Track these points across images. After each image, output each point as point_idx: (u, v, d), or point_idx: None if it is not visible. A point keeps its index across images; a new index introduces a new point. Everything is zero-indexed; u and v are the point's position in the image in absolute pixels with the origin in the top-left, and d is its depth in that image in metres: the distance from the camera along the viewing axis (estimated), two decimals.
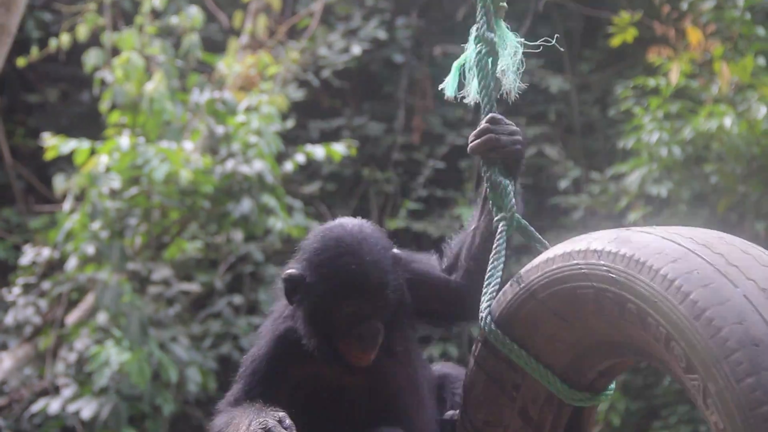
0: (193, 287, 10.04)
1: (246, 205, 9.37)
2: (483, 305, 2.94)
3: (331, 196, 12.04)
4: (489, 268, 3.01)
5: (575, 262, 2.71)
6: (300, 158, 9.95)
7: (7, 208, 11.97)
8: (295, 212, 10.08)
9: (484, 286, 2.99)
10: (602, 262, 2.65)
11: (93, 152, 9.36)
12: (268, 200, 9.47)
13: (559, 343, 2.79)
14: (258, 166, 9.43)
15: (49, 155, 9.51)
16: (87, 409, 8.70)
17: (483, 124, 3.08)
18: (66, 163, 10.44)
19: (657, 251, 2.56)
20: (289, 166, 9.96)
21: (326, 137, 11.59)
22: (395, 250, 3.00)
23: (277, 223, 9.49)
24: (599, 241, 2.69)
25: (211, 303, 10.33)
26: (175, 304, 9.88)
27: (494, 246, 3.04)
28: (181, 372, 9.07)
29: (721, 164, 9.67)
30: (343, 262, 2.88)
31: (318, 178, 11.94)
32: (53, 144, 9.37)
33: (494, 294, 2.94)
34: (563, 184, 11.38)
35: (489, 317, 2.90)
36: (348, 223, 3.00)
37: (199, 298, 10.37)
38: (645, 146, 9.79)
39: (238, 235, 10.11)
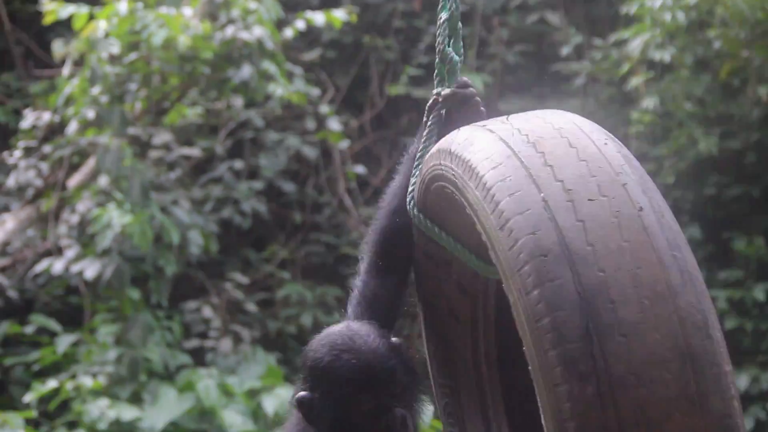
0: (194, 152, 10.07)
1: (246, 71, 9.34)
2: (409, 189, 2.97)
3: (332, 63, 11.98)
4: (420, 148, 2.98)
5: (439, 161, 2.69)
6: (300, 25, 9.86)
7: (6, 72, 11.93)
8: (295, 79, 10.05)
9: (414, 167, 2.98)
10: (451, 165, 2.62)
11: (92, 17, 9.28)
12: (268, 66, 9.44)
13: (462, 226, 2.79)
14: (258, 32, 9.36)
15: (47, 20, 9.44)
16: (90, 269, 8.81)
17: (470, 88, 3.02)
18: (65, 28, 10.36)
19: (486, 156, 2.50)
20: (289, 33, 9.88)
21: (326, 3, 11.47)
22: (392, 339, 2.93)
23: (278, 89, 9.46)
24: (456, 140, 2.64)
25: (211, 168, 10.38)
26: (176, 168, 9.93)
27: (428, 123, 3.00)
28: (183, 234, 9.16)
29: (725, 29, 9.60)
30: (343, 362, 2.83)
31: (318, 44, 11.85)
32: (51, 8, 9.29)
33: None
34: (565, 50, 11.29)
35: (413, 202, 2.92)
36: (334, 328, 2.94)
37: (199, 163, 10.42)
38: (648, 11, 9.70)
39: (238, 101, 10.10)
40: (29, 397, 8.53)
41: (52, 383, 8.55)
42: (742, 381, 9.43)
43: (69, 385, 8.55)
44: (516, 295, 2.35)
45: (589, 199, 2.34)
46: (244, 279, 10.43)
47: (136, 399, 8.63)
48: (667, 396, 2.21)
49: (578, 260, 2.28)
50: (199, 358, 9.67)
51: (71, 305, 9.94)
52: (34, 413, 8.46)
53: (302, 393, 2.88)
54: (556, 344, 2.26)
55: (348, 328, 2.90)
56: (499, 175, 2.43)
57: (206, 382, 8.54)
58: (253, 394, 8.74)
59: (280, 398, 8.52)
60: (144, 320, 8.96)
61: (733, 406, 2.25)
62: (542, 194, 2.36)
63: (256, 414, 8.56)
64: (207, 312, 9.95)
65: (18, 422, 8.19)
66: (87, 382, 8.56)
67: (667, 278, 2.27)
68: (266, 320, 10.37)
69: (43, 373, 9.04)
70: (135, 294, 9.01)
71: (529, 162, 2.42)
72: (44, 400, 8.63)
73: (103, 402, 8.36)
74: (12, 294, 9.59)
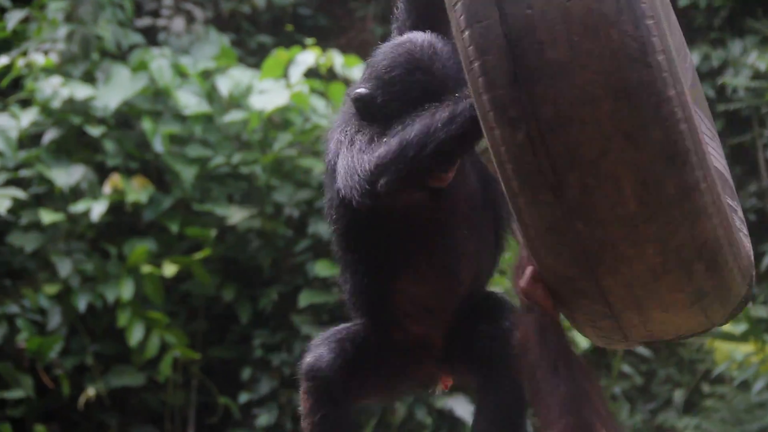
0: None
1: None
2: None
3: None
4: None
5: None
6: None
7: None
8: None
9: None
10: None
11: None
12: None
13: None
14: None
15: None
16: None
17: None
18: None
19: None
20: None
21: None
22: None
23: None
24: None
25: None
26: None
27: None
28: None
29: None
30: (415, 79, 2.73)
31: None
32: None
33: None
34: None
35: None
36: (418, 37, 2.80)
37: None
38: None
39: None
40: None
41: (2, 60, 8.43)
42: (694, 59, 9.39)
43: (20, 62, 8.43)
44: (453, 31, 2.31)
45: None
46: None
47: (89, 78, 8.54)
48: (599, 134, 2.18)
49: None
50: (151, 37, 9.51)
51: None
52: None
53: (362, 89, 2.83)
54: (488, 89, 2.23)
55: (431, 46, 2.79)
56: None
57: (159, 62, 8.43)
58: (207, 75, 8.67)
59: (234, 79, 8.46)
60: None
61: (678, 130, 2.21)
62: None
63: (211, 95, 8.54)
64: None
65: None
66: (39, 59, 8.44)
67: (599, 8, 2.16)
68: None
69: None
70: None
71: None
72: None
73: (56, 80, 8.25)
74: None
